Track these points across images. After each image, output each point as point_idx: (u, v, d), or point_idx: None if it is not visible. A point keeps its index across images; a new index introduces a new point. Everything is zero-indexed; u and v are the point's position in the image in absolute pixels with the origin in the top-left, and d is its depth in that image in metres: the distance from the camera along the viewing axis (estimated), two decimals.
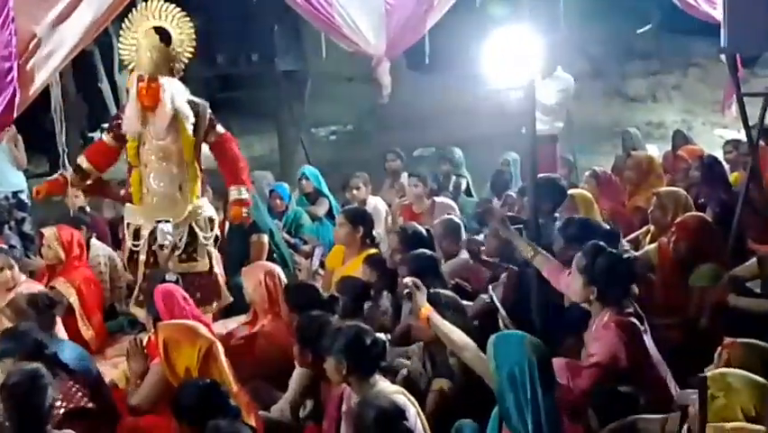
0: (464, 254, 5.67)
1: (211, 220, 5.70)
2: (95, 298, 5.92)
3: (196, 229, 5.60)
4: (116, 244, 6.86)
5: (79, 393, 3.88)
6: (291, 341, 4.50)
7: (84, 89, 14.16)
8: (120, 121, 5.51)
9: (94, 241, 6.53)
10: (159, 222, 5.46)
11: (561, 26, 8.51)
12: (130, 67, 5.47)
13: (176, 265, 5.53)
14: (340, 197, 8.22)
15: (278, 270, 5.35)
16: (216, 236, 5.76)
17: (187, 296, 4.76)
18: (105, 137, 5.69)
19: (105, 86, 16.03)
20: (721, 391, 2.80)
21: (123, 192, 5.85)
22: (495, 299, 3.80)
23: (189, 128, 5.48)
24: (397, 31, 8.01)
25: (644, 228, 5.94)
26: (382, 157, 9.12)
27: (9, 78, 4.27)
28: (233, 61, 11.18)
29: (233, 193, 5.73)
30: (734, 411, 2.75)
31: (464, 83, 15.13)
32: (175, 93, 5.41)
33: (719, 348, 3.34)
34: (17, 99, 4.18)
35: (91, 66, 13.72)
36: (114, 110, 17.51)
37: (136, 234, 5.58)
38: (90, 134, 15.28)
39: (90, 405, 3.87)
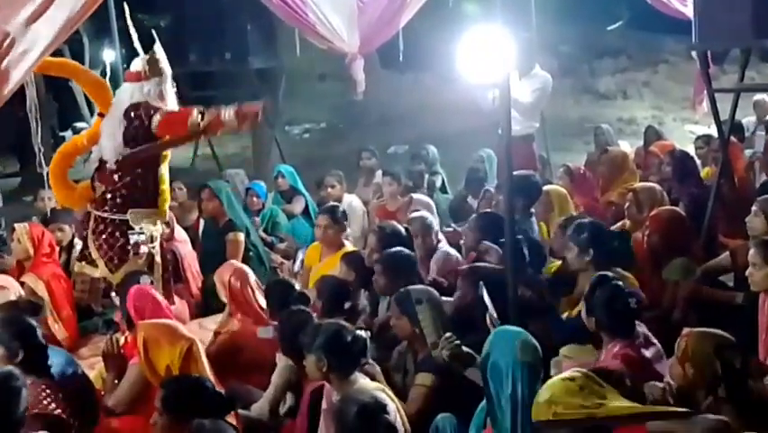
0: (443, 247, 5.66)
1: None
2: (64, 294, 5.85)
3: None
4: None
5: (48, 399, 3.77)
6: (258, 343, 4.55)
7: (54, 88, 14.05)
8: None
9: (77, 240, 6.46)
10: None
11: (532, 24, 8.57)
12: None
13: None
14: (314, 195, 8.21)
15: (246, 270, 5.29)
16: None
17: (159, 297, 4.73)
18: None
19: (75, 85, 15.86)
20: (545, 415, 2.79)
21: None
22: (486, 297, 3.78)
23: None
24: (370, 27, 8.03)
25: (619, 223, 5.98)
26: (356, 155, 9.12)
27: None
28: (206, 59, 11.14)
29: None
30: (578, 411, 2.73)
31: (438, 81, 15.21)
32: None
33: (678, 339, 3.38)
34: None
35: None
36: (84, 109, 17.37)
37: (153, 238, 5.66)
38: (61, 133, 15.15)
39: (57, 412, 3.75)
